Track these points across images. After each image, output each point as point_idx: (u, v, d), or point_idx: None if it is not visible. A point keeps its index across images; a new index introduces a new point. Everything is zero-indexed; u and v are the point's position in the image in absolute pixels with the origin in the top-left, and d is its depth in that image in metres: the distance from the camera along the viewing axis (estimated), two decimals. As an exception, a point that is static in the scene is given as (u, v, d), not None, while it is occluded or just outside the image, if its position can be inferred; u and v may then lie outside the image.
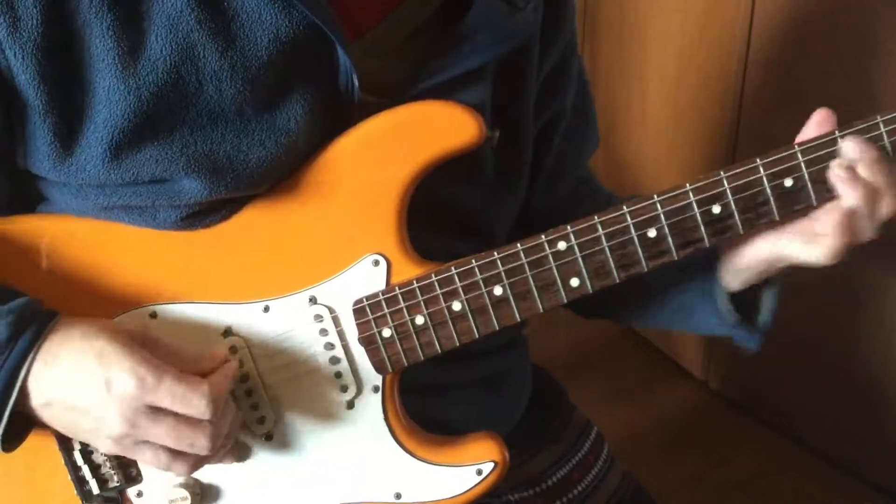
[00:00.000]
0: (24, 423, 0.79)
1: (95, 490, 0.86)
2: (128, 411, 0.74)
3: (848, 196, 0.78)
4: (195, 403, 0.75)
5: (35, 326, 0.76)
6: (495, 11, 0.87)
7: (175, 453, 0.78)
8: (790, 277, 0.90)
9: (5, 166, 0.82)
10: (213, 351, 0.83)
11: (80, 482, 0.86)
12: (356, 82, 0.81)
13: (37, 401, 0.76)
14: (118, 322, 0.81)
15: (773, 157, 0.78)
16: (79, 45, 0.75)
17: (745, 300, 0.92)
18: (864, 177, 0.77)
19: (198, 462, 0.80)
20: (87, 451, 0.86)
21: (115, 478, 0.86)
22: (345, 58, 0.80)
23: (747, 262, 0.87)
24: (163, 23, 0.75)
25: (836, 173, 0.78)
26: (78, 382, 0.75)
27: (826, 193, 0.79)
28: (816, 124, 0.82)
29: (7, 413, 0.75)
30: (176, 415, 0.76)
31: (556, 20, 0.97)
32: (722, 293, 0.91)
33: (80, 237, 0.84)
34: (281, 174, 0.82)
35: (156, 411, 0.75)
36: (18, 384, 0.75)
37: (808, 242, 0.81)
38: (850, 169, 0.77)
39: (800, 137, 0.82)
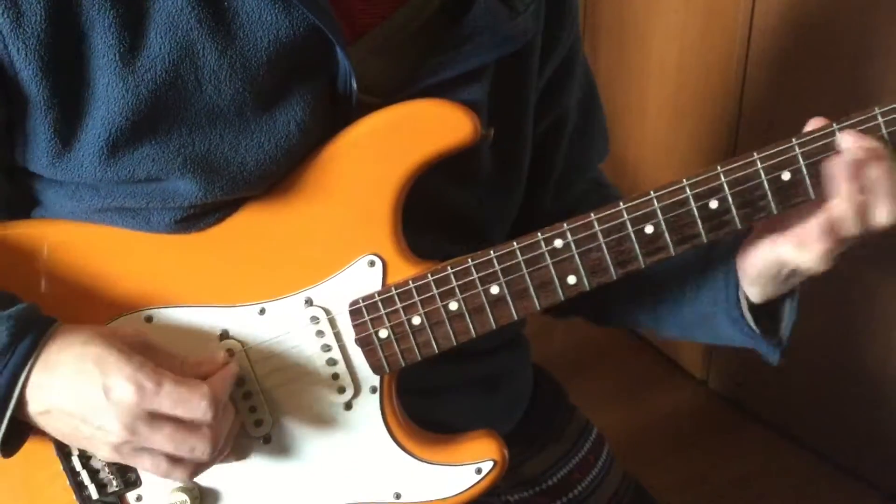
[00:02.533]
0: (22, 427, 0.78)
1: (95, 495, 0.86)
2: (127, 418, 0.74)
3: (841, 196, 0.75)
4: (195, 406, 0.74)
5: (34, 332, 0.75)
6: (495, 14, 0.87)
7: (174, 460, 0.77)
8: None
9: (3, 164, 0.82)
10: (211, 354, 0.82)
11: (79, 487, 0.86)
12: (354, 84, 0.81)
13: (35, 408, 0.76)
14: (115, 328, 0.81)
15: (771, 151, 0.77)
16: (81, 41, 0.75)
17: (767, 313, 0.90)
18: (864, 174, 0.75)
19: (197, 468, 0.79)
20: (85, 456, 0.85)
21: (114, 482, 0.86)
22: (344, 59, 0.80)
23: (758, 269, 0.85)
24: (163, 21, 0.75)
25: (835, 165, 0.75)
26: (76, 389, 0.74)
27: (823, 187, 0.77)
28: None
29: (6, 419, 0.75)
30: (176, 420, 0.75)
31: (558, 25, 0.97)
32: (743, 303, 0.89)
33: (75, 242, 0.84)
34: (277, 176, 0.82)
35: (155, 417, 0.74)
36: (17, 390, 0.74)
37: (799, 247, 0.79)
38: (853, 164, 0.75)
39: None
